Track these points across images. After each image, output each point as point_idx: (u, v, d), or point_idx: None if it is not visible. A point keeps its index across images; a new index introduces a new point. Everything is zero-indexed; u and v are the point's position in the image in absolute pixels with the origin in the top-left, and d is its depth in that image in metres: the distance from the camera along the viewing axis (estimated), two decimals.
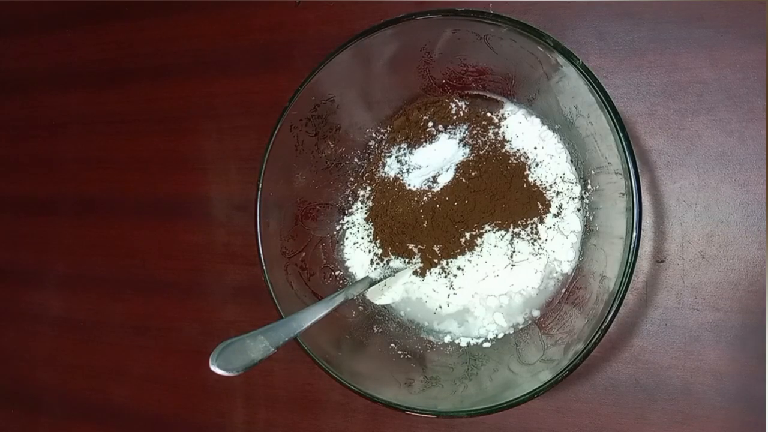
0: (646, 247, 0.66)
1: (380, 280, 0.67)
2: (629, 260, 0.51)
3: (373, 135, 0.73)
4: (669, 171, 0.66)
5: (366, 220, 0.72)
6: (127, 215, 0.89)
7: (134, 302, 0.88)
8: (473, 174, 0.67)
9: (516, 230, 0.66)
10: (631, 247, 0.51)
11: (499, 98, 0.69)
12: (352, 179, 0.73)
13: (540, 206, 0.66)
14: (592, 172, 0.63)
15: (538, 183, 0.66)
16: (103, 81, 0.91)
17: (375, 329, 0.69)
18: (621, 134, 0.51)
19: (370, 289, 0.68)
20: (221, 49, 0.84)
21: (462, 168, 0.67)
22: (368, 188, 0.73)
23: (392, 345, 0.68)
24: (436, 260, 0.68)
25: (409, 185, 0.70)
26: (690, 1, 0.65)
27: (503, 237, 0.66)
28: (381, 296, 0.70)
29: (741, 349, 0.63)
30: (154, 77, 0.88)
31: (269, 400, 0.79)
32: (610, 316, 0.52)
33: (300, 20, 0.80)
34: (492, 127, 0.68)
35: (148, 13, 0.88)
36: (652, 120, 0.66)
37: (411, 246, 0.69)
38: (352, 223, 0.73)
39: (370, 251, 0.71)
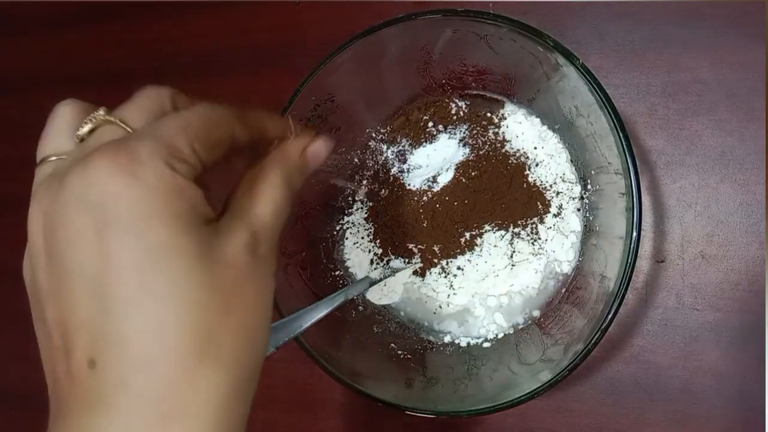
0: (646, 247, 0.66)
1: (380, 280, 0.68)
2: (629, 260, 0.51)
3: (373, 135, 0.72)
4: (669, 171, 0.66)
5: (366, 220, 0.72)
6: None
7: None
8: (473, 174, 0.67)
9: (516, 230, 0.66)
10: (631, 247, 0.51)
11: (499, 98, 0.69)
12: (351, 179, 0.74)
13: (540, 206, 0.66)
14: (592, 172, 0.63)
15: (538, 183, 0.66)
16: (103, 81, 0.91)
17: (375, 329, 0.69)
18: (621, 134, 0.51)
19: (370, 289, 0.68)
20: (221, 49, 0.84)
21: (462, 168, 0.68)
22: (368, 188, 0.73)
23: (392, 345, 0.68)
24: (436, 260, 0.68)
25: (409, 185, 0.70)
26: (690, 1, 0.65)
27: (503, 237, 0.66)
28: (381, 296, 0.70)
29: (741, 349, 0.63)
30: (154, 77, 0.87)
31: (268, 400, 0.79)
32: (610, 316, 0.52)
33: (300, 20, 0.80)
34: (492, 127, 0.68)
35: (148, 13, 0.88)
36: (652, 120, 0.66)
37: (411, 246, 0.69)
38: (352, 223, 0.73)
39: (370, 251, 0.71)
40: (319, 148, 0.43)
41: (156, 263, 0.31)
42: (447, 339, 0.69)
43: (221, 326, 0.32)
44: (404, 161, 0.71)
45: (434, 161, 0.70)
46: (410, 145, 0.71)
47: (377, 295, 0.70)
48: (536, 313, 0.67)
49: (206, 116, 0.37)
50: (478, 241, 0.66)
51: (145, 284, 0.31)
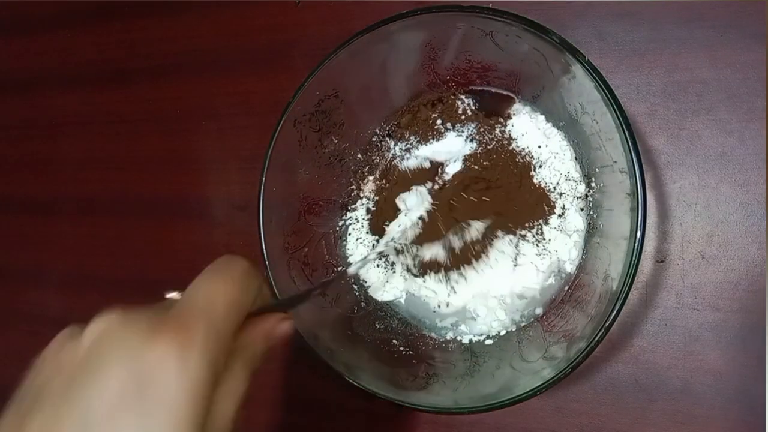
0: (647, 247, 0.66)
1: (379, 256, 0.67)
2: (633, 259, 0.52)
3: (377, 131, 0.73)
4: (669, 171, 0.66)
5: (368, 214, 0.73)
6: (127, 215, 0.88)
7: (134, 302, 0.88)
8: (484, 163, 0.67)
9: (522, 232, 0.66)
10: (635, 245, 0.51)
11: (504, 93, 0.69)
12: (355, 175, 0.74)
13: (545, 206, 0.66)
14: (596, 170, 0.63)
15: (543, 182, 0.66)
16: (103, 81, 0.91)
17: (377, 325, 0.70)
18: (626, 132, 0.51)
19: (372, 286, 0.69)
20: (221, 49, 0.85)
21: (470, 159, 0.68)
22: (372, 184, 0.73)
23: (394, 341, 0.68)
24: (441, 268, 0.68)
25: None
26: (690, 1, 0.65)
27: (510, 242, 0.66)
28: (383, 293, 0.70)
29: (741, 349, 0.63)
30: (154, 77, 0.88)
31: (269, 400, 0.79)
32: (613, 315, 0.52)
33: (300, 20, 0.81)
34: (498, 125, 0.68)
35: (148, 13, 0.88)
36: (652, 120, 0.66)
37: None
38: (355, 219, 0.73)
39: (372, 246, 0.71)
40: (285, 330, 0.44)
41: None
42: (449, 336, 0.69)
43: None
44: (409, 157, 0.71)
45: (440, 156, 0.70)
46: (417, 141, 0.71)
47: (379, 292, 0.71)
48: (539, 311, 0.67)
49: (245, 287, 0.40)
50: (487, 250, 0.67)
51: None
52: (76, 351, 0.35)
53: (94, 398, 0.32)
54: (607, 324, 0.52)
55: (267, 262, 0.61)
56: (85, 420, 0.32)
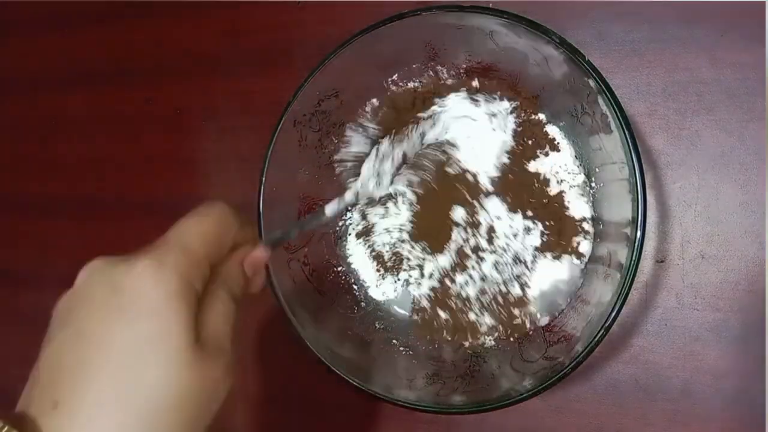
0: (647, 247, 0.66)
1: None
2: (633, 259, 0.52)
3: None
4: (669, 171, 0.66)
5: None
6: (127, 215, 0.88)
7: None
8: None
9: (531, 237, 0.66)
10: (635, 245, 0.51)
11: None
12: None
13: (548, 205, 0.66)
14: (597, 169, 0.63)
15: (544, 180, 0.66)
16: (103, 81, 0.91)
17: (377, 325, 0.69)
18: (626, 132, 0.52)
19: (371, 286, 0.69)
20: (221, 49, 0.84)
21: None
22: None
23: (394, 341, 0.68)
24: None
25: None
26: (690, 1, 0.65)
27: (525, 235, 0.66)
28: (383, 292, 0.70)
29: (741, 349, 0.63)
30: (154, 77, 0.88)
31: (269, 400, 0.79)
32: (613, 315, 0.52)
33: (300, 20, 0.80)
34: None
35: (148, 13, 0.88)
36: (652, 120, 0.66)
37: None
38: (355, 219, 0.73)
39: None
40: (258, 255, 0.48)
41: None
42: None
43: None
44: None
45: None
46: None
47: (379, 291, 0.70)
48: None
49: (221, 222, 0.45)
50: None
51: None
52: (70, 292, 0.41)
53: (83, 315, 0.38)
54: (607, 324, 0.52)
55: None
56: (80, 334, 0.38)
